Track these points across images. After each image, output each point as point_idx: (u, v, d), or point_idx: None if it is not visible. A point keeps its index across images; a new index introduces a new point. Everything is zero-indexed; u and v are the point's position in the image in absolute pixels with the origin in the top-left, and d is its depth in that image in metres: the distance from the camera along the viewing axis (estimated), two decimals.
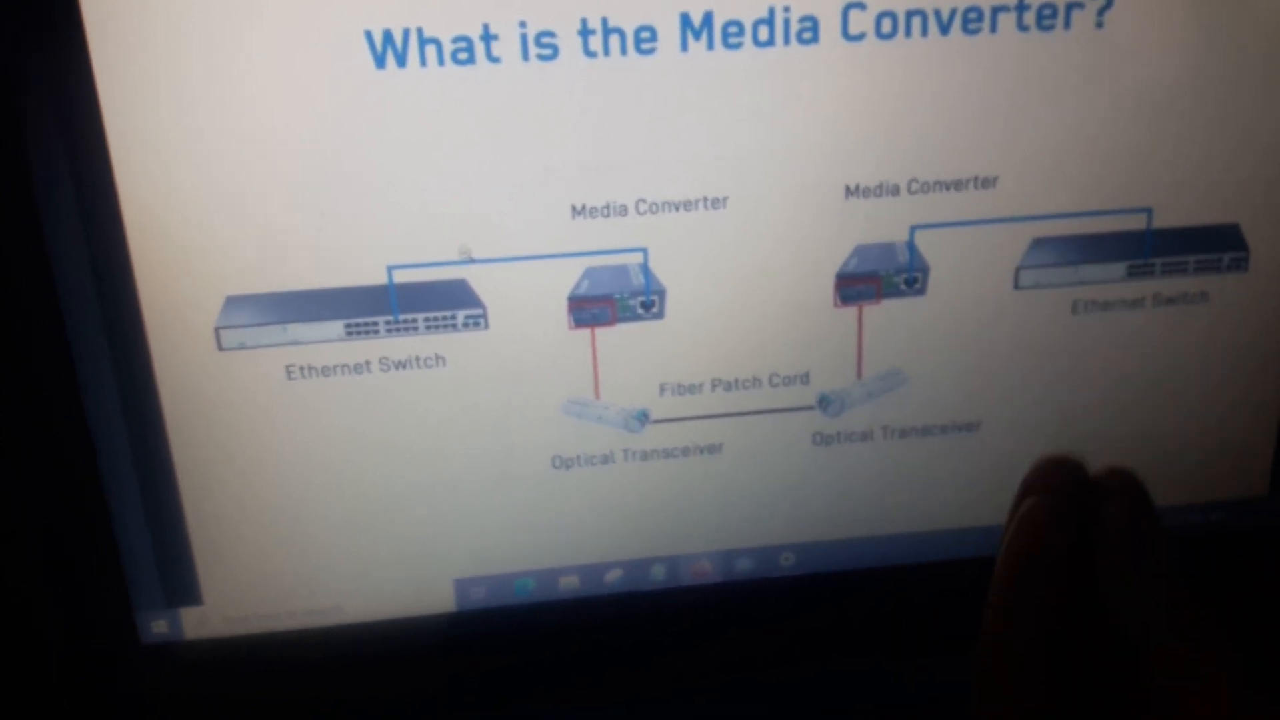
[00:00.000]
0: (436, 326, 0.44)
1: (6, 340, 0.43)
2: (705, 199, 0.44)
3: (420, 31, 0.40)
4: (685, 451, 0.48)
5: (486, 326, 0.44)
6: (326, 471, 0.46)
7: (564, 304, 0.45)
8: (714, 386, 0.47)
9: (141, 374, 0.43)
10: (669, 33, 0.41)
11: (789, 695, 0.52)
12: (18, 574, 0.47)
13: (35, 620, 0.47)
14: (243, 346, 0.43)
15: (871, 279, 0.46)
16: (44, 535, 0.46)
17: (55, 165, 0.41)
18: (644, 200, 0.43)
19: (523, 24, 0.40)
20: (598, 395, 0.46)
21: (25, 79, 0.39)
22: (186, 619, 0.48)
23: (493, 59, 0.40)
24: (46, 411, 0.44)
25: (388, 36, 0.40)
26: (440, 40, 0.40)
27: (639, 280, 0.45)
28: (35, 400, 0.44)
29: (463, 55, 0.40)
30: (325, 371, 0.44)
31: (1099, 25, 0.43)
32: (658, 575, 0.50)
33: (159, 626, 0.48)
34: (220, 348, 0.43)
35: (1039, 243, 0.46)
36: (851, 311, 0.46)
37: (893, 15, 0.42)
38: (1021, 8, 0.42)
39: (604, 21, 0.40)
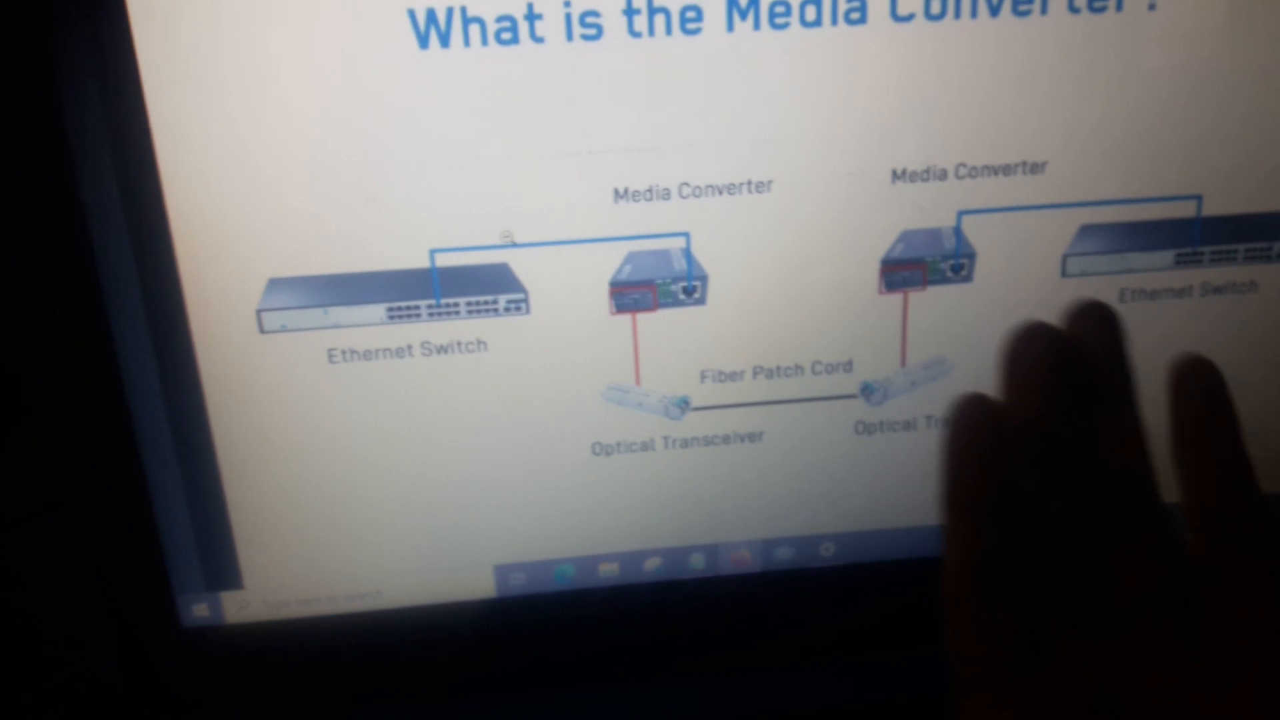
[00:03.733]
0: (478, 311, 0.44)
1: (49, 323, 0.43)
2: (749, 183, 0.43)
3: (464, 11, 0.39)
4: (726, 439, 0.48)
5: (528, 311, 0.44)
6: (367, 456, 0.46)
7: (605, 289, 0.44)
8: (755, 374, 0.47)
9: (183, 356, 0.44)
10: (715, 12, 0.40)
11: (828, 685, 0.52)
12: (58, 556, 0.47)
13: (76, 602, 0.48)
14: (284, 329, 0.43)
15: (917, 265, 0.45)
16: (85, 518, 0.46)
17: (97, 147, 0.41)
18: (687, 184, 0.43)
19: (567, 3, 0.40)
20: (638, 382, 0.46)
21: (68, 61, 0.39)
22: (227, 603, 0.48)
23: (536, 39, 0.40)
24: (88, 394, 0.44)
25: (431, 16, 0.39)
26: (484, 19, 0.40)
27: (681, 265, 0.44)
28: (77, 383, 0.44)
29: (506, 35, 0.40)
30: (367, 355, 0.44)
31: (1151, 7, 0.42)
32: (697, 564, 0.50)
33: (199, 610, 0.48)
34: (262, 330, 0.43)
35: (1087, 230, 0.45)
36: (896, 298, 0.46)
37: None
38: None
39: (649, 1, 0.40)
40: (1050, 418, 0.29)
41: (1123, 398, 0.30)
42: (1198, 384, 0.30)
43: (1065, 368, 0.29)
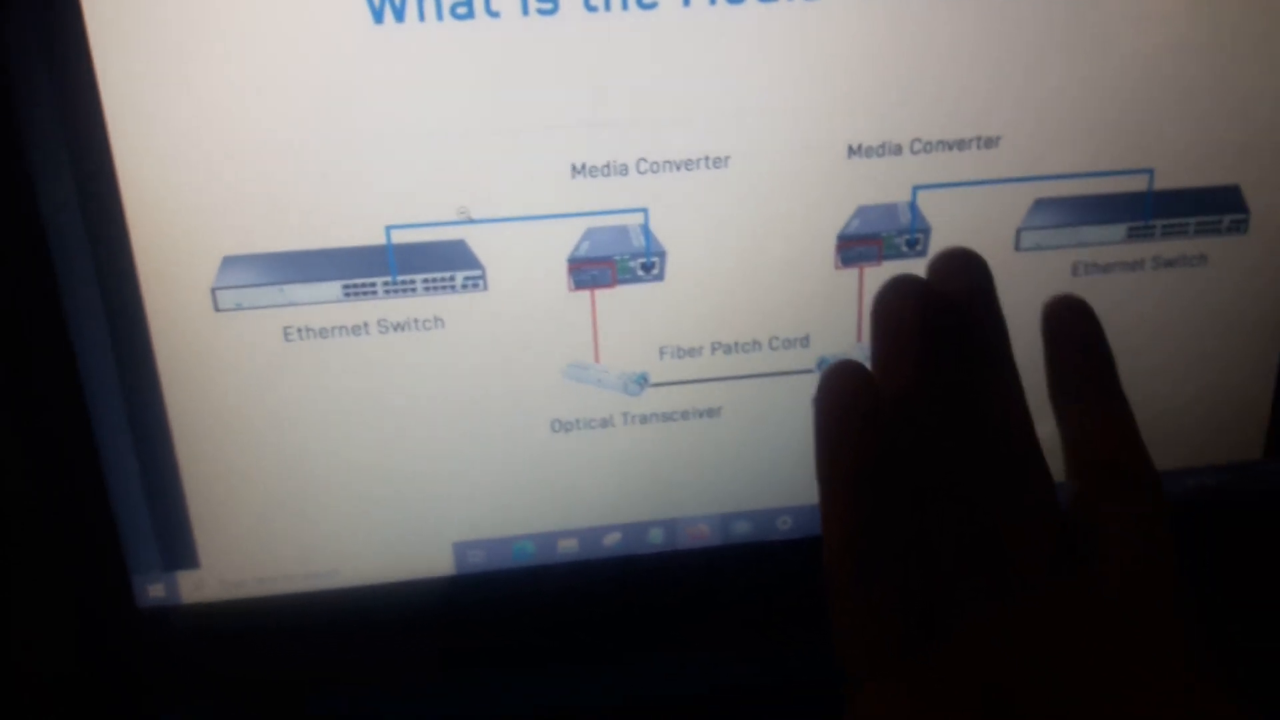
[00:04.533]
0: (435, 288, 0.44)
1: (0, 303, 0.42)
2: (707, 158, 0.43)
3: None
4: (684, 415, 0.48)
5: (485, 288, 0.44)
6: (324, 434, 0.45)
7: (564, 265, 0.44)
8: (714, 349, 0.47)
9: (137, 336, 0.43)
10: None
11: (786, 658, 0.52)
12: (12, 536, 0.46)
13: (30, 583, 0.47)
14: (239, 308, 0.43)
15: (873, 240, 0.45)
16: (39, 498, 0.45)
17: (49, 125, 0.40)
18: (645, 159, 0.43)
19: None
20: (597, 358, 0.46)
21: (16, 35, 0.39)
22: (183, 583, 0.47)
23: (492, 13, 0.40)
24: (41, 374, 0.43)
25: None
26: None
27: (639, 241, 0.44)
28: (29, 362, 0.43)
29: (461, 9, 0.40)
30: (323, 333, 0.44)
31: None
32: (656, 538, 0.50)
33: (155, 590, 0.47)
34: (217, 309, 0.43)
35: (1040, 204, 0.46)
36: (852, 273, 0.46)
37: None
38: None
39: None
40: (924, 382, 0.27)
41: (996, 352, 0.29)
42: (1073, 324, 0.29)
43: (935, 328, 0.28)
